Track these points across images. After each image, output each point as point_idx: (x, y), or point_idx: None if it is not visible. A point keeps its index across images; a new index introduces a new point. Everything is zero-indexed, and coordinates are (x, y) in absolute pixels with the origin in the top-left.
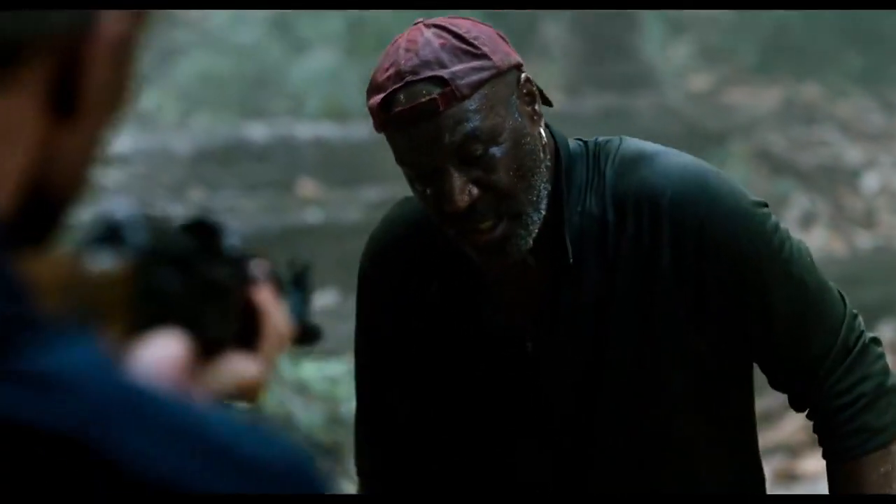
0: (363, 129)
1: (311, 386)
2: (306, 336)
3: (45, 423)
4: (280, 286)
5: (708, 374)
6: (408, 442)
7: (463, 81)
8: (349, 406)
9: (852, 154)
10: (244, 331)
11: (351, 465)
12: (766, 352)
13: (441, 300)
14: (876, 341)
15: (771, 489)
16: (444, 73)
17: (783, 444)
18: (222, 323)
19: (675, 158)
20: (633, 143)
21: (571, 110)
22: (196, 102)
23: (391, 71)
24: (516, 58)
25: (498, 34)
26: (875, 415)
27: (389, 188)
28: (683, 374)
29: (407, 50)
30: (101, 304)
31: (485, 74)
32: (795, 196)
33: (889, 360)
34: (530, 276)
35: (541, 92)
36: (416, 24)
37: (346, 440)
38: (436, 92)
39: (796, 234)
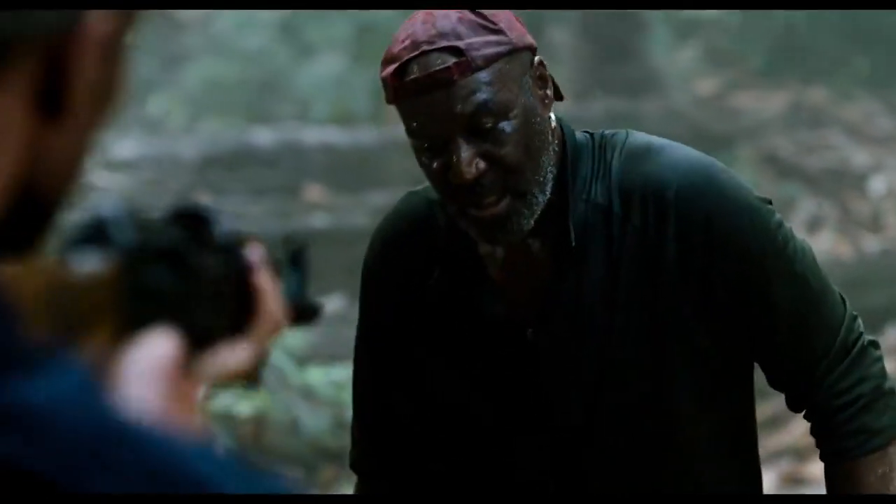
0: (370, 134)
1: (317, 391)
2: (304, 315)
3: (16, 460)
4: (277, 268)
5: (710, 370)
6: (406, 436)
7: (478, 53)
8: None
9: (859, 158)
10: (237, 317)
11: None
12: (766, 349)
13: (442, 289)
14: (875, 344)
15: (778, 493)
16: (460, 43)
17: (790, 448)
18: (214, 313)
19: (683, 152)
20: (641, 137)
21: (578, 114)
22: (203, 107)
23: (407, 42)
24: (531, 40)
25: (516, 17)
26: (873, 416)
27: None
28: (686, 368)
29: (424, 22)
30: (88, 308)
31: (500, 49)
32: (802, 200)
33: (894, 363)
34: (532, 264)
35: (554, 83)
36: None
37: None
38: (451, 61)
39: (803, 237)
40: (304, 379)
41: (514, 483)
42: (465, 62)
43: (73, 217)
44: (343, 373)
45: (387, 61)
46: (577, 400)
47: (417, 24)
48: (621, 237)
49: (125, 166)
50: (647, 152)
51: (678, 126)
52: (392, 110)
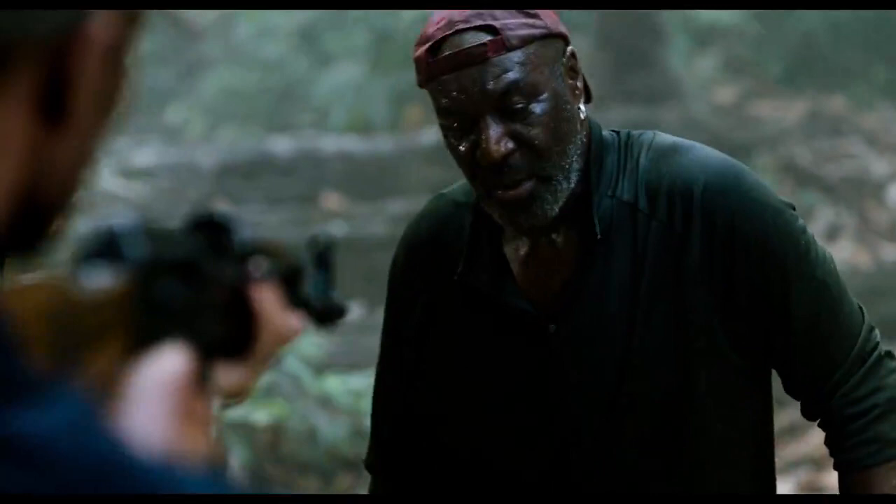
0: (388, 142)
1: (336, 399)
2: (330, 315)
3: (14, 492)
4: (295, 274)
5: (730, 370)
6: (426, 433)
7: (513, 33)
8: None
9: (878, 166)
10: (237, 333)
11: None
12: (783, 353)
13: (465, 284)
14: (891, 355)
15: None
16: (495, 23)
17: (808, 457)
18: (223, 325)
19: (710, 152)
20: (668, 137)
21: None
22: (221, 116)
23: (442, 22)
24: (564, 30)
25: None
26: (888, 426)
27: (414, 201)
28: (706, 366)
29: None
30: (97, 326)
31: (535, 31)
32: (821, 208)
33: None
34: (556, 259)
35: (585, 81)
36: None
37: None
38: (486, 38)
39: (823, 245)
40: (322, 387)
41: (530, 478)
42: (500, 40)
43: (85, 228)
44: (361, 381)
45: (421, 41)
46: (597, 395)
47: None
48: (646, 234)
49: (143, 174)
50: (674, 151)
51: (697, 135)
52: (409, 117)
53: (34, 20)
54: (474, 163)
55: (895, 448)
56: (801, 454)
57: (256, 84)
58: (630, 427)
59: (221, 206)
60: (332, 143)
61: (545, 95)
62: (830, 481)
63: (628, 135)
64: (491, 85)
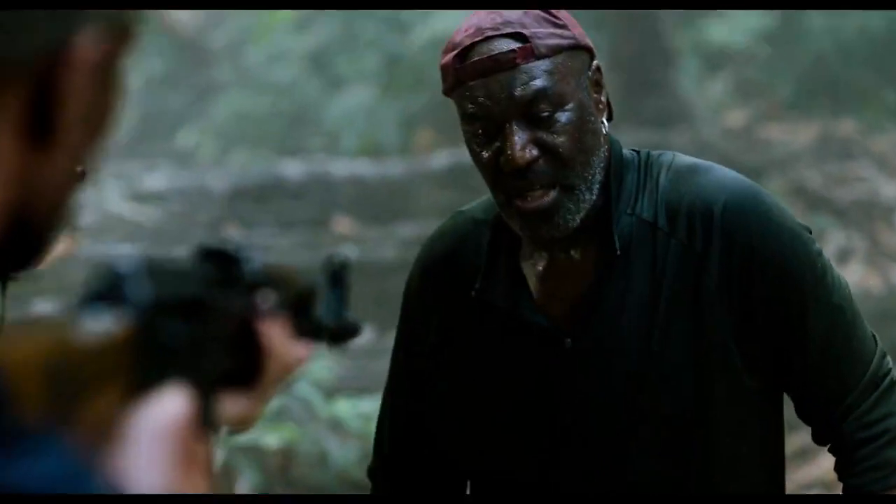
0: (399, 166)
1: (346, 423)
2: (344, 334)
3: None
4: (310, 294)
5: (745, 390)
6: (435, 447)
7: (542, 42)
8: None
9: (888, 189)
10: (242, 364)
11: None
12: (797, 375)
13: (482, 299)
14: None
15: None
16: (524, 31)
17: (819, 481)
18: (221, 360)
19: (730, 172)
20: (688, 157)
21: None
22: (233, 140)
23: (471, 29)
24: (591, 43)
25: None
26: None
27: (424, 225)
28: (722, 386)
29: (490, 12)
30: (96, 372)
31: (563, 42)
32: (831, 232)
33: None
34: (574, 275)
35: (608, 99)
36: None
37: None
38: (515, 45)
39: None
40: (333, 411)
41: (540, 489)
42: (529, 48)
43: (95, 254)
44: (372, 405)
45: (448, 49)
46: (610, 410)
47: (482, 14)
48: (665, 252)
49: (154, 198)
50: (694, 172)
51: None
52: (420, 141)
53: (20, 39)
54: (497, 169)
55: None
56: (813, 477)
57: (268, 108)
58: (641, 442)
59: (232, 230)
60: (343, 167)
61: (571, 105)
62: None
63: (648, 154)
64: (519, 91)
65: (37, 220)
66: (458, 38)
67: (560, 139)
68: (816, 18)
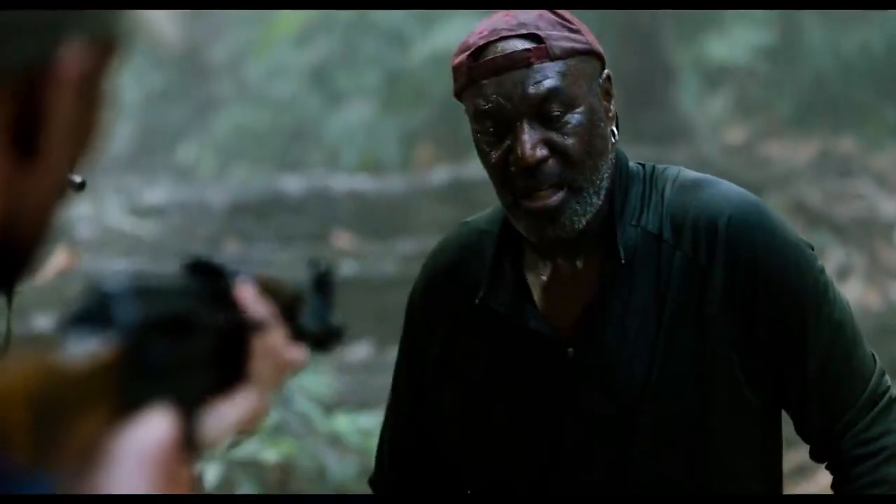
0: (399, 181)
1: (345, 438)
2: (328, 339)
3: None
4: (297, 297)
5: (746, 403)
6: (437, 457)
7: (556, 44)
8: None
9: (888, 207)
10: (233, 376)
11: None
12: (797, 391)
13: (485, 309)
14: None
15: None
16: (539, 32)
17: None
18: (216, 370)
19: (734, 187)
20: (693, 172)
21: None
22: (232, 155)
23: (486, 31)
24: (602, 51)
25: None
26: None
27: (424, 240)
28: (724, 399)
29: (505, 15)
30: (81, 398)
31: (577, 46)
32: (831, 249)
33: None
34: (577, 285)
35: (616, 114)
36: None
37: None
38: (530, 45)
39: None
40: (332, 426)
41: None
42: (543, 49)
43: (90, 271)
44: (371, 420)
45: (461, 50)
46: (611, 419)
47: (497, 17)
48: (670, 265)
49: (154, 213)
50: (699, 186)
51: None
52: (420, 157)
53: (4, 53)
54: (506, 168)
55: None
56: (811, 493)
57: (268, 123)
58: (641, 452)
59: (232, 245)
60: (343, 183)
61: (582, 108)
62: None
63: (654, 168)
64: (532, 90)
65: (22, 235)
66: (471, 40)
67: (570, 140)
68: (816, 35)
